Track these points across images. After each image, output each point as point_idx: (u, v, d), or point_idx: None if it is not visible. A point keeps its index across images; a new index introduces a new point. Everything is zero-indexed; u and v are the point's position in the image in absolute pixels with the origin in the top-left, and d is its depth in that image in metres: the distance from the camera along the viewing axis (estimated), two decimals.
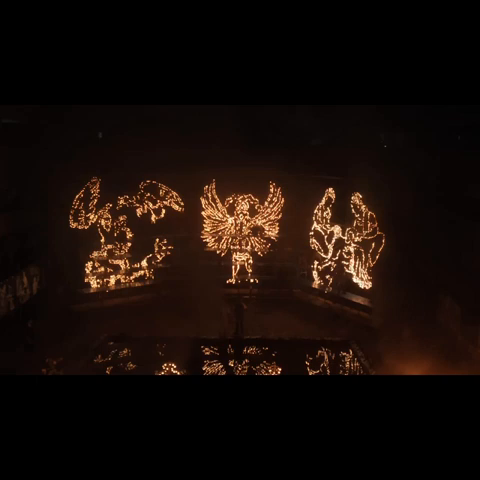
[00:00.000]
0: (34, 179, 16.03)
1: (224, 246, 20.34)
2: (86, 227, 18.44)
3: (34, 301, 16.38)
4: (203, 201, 20.11)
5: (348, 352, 15.21)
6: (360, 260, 17.22)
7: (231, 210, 20.23)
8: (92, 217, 18.55)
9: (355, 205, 17.21)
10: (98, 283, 18.88)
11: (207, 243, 20.39)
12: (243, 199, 20.05)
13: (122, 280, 19.43)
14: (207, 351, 15.33)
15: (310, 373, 14.40)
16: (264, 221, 20.23)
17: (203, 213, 20.21)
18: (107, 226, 19.02)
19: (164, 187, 19.83)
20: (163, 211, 19.87)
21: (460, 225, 13.65)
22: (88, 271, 18.74)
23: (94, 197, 18.48)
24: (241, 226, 20.22)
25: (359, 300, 17.40)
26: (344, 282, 18.06)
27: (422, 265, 15.01)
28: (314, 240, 19.30)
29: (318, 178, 18.93)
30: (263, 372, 14.24)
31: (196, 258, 19.37)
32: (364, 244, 16.99)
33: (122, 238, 19.36)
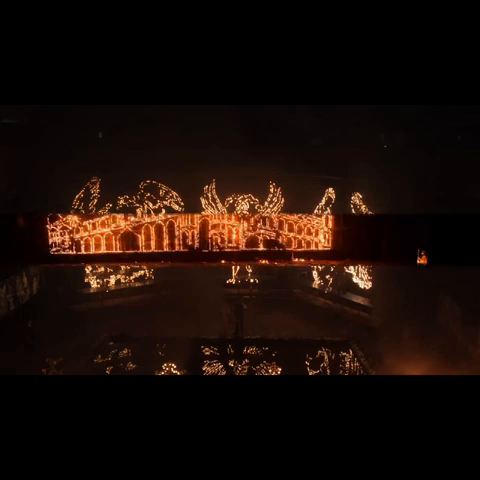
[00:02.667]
0: (34, 179, 16.02)
1: None
2: None
3: (34, 301, 16.38)
4: (203, 201, 20.10)
5: (348, 352, 15.21)
6: None
7: (231, 210, 20.21)
8: None
9: (355, 205, 17.20)
10: (98, 283, 18.88)
11: None
12: (243, 199, 20.03)
13: (122, 280, 19.43)
14: (207, 351, 15.33)
15: (310, 373, 14.38)
16: None
17: (203, 213, 20.19)
18: None
19: (164, 187, 19.81)
20: (163, 211, 19.85)
21: None
22: (88, 271, 18.74)
23: (94, 197, 18.48)
24: None
25: (359, 300, 17.40)
26: (344, 282, 18.06)
27: None
28: None
29: (318, 178, 18.91)
30: (263, 372, 14.24)
31: None
32: None
33: None
